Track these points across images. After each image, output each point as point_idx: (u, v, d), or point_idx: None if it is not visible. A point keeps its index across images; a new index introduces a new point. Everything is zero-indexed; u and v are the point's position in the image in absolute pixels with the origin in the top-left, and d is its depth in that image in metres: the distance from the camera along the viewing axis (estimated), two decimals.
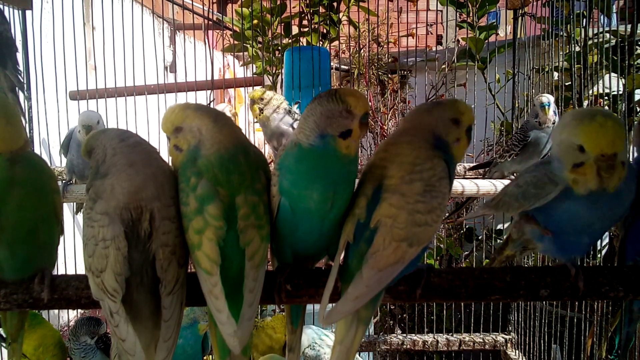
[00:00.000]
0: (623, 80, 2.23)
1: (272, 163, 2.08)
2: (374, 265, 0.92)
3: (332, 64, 3.46)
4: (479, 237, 3.56)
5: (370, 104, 3.82)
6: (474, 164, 2.49)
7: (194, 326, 1.88)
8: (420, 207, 0.94)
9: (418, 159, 0.97)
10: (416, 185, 0.95)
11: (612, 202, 0.98)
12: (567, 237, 1.05)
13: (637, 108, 2.83)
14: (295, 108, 2.25)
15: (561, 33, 2.73)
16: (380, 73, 4.28)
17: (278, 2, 3.29)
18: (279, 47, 3.27)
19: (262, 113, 2.15)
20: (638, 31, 2.31)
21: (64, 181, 2.26)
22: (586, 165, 0.95)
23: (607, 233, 2.66)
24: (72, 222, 3.22)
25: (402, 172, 0.96)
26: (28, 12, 2.41)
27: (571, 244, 1.06)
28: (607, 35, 2.58)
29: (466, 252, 3.62)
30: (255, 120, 2.22)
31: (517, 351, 2.65)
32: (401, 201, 0.94)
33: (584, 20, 2.78)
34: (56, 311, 3.05)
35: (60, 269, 2.22)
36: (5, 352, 1.87)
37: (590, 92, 2.72)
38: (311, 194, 0.97)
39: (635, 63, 2.68)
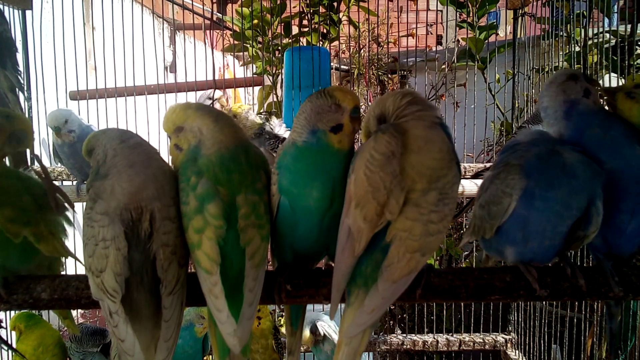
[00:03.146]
0: (623, 80, 2.23)
1: None
2: (389, 277, 0.92)
3: (332, 64, 3.46)
4: None
5: (369, 103, 3.82)
6: (476, 171, 2.49)
7: (192, 327, 1.88)
8: (434, 216, 0.93)
9: (442, 169, 0.95)
10: (431, 195, 0.93)
11: None
12: None
13: None
14: (272, 124, 2.19)
15: (561, 33, 2.73)
16: (380, 73, 4.28)
17: (278, 2, 3.28)
18: (279, 47, 3.27)
19: None
20: (638, 31, 2.31)
21: (76, 181, 2.25)
22: None
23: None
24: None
25: (424, 183, 0.93)
26: (28, 12, 2.41)
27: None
28: (607, 35, 2.58)
29: (466, 252, 3.62)
30: None
31: (517, 351, 2.65)
32: (416, 213, 0.92)
33: (584, 20, 2.78)
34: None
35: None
36: (4, 353, 1.88)
37: None
38: (311, 192, 0.97)
39: (635, 63, 2.68)
